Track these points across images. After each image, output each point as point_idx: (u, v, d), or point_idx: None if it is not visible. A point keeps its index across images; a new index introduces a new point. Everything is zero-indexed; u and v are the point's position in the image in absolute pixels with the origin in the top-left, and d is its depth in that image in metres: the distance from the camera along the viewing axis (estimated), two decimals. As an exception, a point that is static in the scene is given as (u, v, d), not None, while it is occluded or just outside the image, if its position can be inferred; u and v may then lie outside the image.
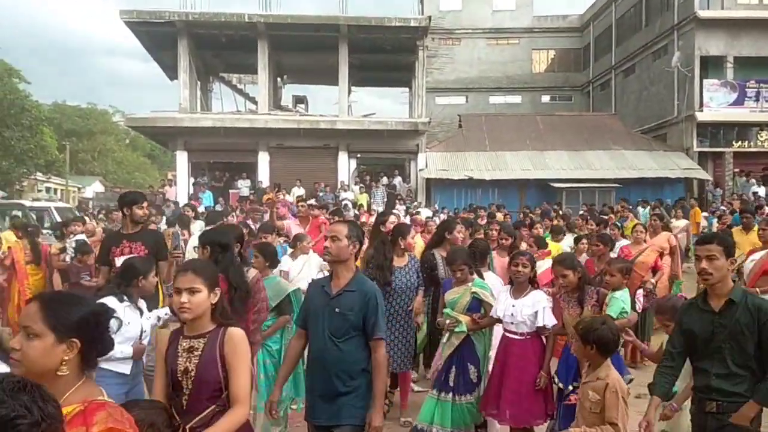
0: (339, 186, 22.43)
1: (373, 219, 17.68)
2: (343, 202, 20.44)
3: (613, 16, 32.15)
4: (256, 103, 27.36)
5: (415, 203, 21.01)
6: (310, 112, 26.07)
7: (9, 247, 8.11)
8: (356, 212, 17.85)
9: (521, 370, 4.63)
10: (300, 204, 9.56)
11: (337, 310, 3.47)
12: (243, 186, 22.65)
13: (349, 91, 26.04)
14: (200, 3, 23.20)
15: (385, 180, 23.13)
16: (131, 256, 4.96)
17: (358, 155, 23.84)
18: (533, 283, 4.85)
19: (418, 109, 24.54)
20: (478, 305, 4.93)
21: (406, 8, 24.45)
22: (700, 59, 24.27)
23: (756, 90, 24.15)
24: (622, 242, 8.68)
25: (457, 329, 4.88)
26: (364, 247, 4.96)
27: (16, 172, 34.74)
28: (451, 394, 4.88)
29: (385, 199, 21.89)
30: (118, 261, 5.17)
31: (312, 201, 19.89)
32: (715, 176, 24.34)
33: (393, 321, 5.42)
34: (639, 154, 24.36)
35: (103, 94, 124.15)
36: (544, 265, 6.76)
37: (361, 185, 22.84)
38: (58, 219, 13.49)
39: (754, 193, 20.34)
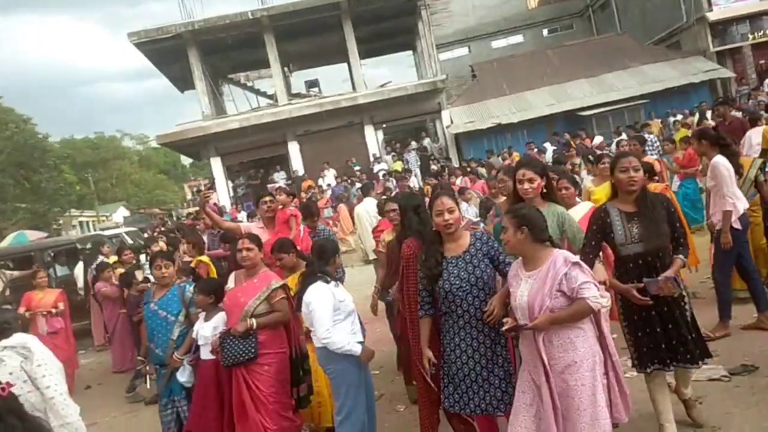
0: (372, 159, 22.72)
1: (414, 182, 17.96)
2: (380, 174, 20.79)
3: (596, -69, 31.66)
4: (269, 97, 27.63)
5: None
6: (326, 94, 26.26)
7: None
8: (393, 180, 18.17)
9: None
10: (268, 199, 6.13)
11: None
12: (279, 178, 23.01)
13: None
14: (198, 10, 23.41)
15: (414, 144, 23.35)
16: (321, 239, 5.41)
17: (384, 125, 24.03)
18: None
19: (433, 68, 24.64)
20: None
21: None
22: (700, -43, 23.88)
23: (762, -23, 23.80)
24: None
25: None
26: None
27: (52, 212, 35.47)
28: None
29: (419, 162, 22.18)
30: None
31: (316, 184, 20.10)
32: (737, 73, 24.29)
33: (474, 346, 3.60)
34: (658, 66, 24.22)
35: (106, 121, 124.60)
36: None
37: (393, 153, 23.11)
38: (130, 242, 14.06)
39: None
